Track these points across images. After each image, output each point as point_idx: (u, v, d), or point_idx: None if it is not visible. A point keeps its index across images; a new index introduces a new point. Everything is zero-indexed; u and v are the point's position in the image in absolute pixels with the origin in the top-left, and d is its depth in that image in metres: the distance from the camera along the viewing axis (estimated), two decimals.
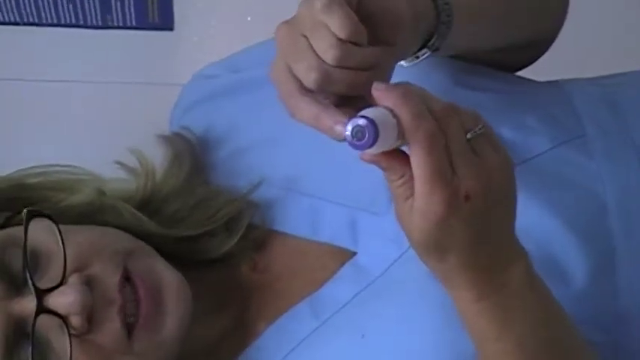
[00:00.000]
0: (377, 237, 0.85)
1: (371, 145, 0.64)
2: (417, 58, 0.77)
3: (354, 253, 0.86)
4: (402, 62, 0.76)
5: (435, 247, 0.69)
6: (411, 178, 0.66)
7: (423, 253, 0.71)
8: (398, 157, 0.66)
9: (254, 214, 0.90)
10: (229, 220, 0.89)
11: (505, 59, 0.95)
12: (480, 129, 0.67)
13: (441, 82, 0.89)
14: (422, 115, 0.65)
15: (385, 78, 0.71)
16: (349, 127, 0.64)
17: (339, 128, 0.66)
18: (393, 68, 0.72)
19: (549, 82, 0.96)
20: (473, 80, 0.91)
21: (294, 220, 0.89)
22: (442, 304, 0.77)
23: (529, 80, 0.97)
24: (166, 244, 0.87)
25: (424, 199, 0.66)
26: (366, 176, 0.83)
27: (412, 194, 0.66)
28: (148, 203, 0.89)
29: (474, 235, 0.68)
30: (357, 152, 0.74)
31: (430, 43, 0.76)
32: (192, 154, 0.93)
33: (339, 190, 0.87)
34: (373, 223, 0.86)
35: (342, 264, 0.86)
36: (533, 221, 0.81)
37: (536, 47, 0.98)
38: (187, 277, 0.84)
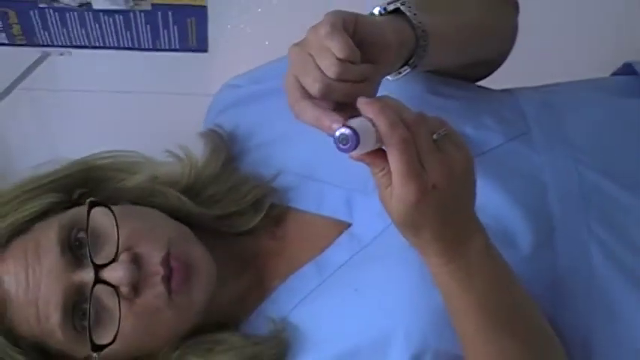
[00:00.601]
0: (367, 212, 0.84)
1: (354, 149, 0.65)
2: (400, 73, 0.78)
3: (350, 225, 0.85)
4: (388, 77, 0.77)
5: (410, 225, 0.70)
6: (389, 171, 0.67)
7: (402, 230, 0.72)
8: (378, 155, 0.68)
9: (274, 196, 0.89)
10: (255, 202, 0.88)
11: (469, 73, 0.94)
12: (443, 131, 0.68)
13: (416, 90, 0.89)
14: (395, 124, 0.66)
15: (374, 89, 0.72)
16: (337, 134, 0.65)
17: (335, 126, 0.66)
18: (379, 82, 0.73)
19: (502, 90, 0.95)
20: (442, 89, 0.90)
21: (305, 199, 0.88)
22: (419, 266, 0.77)
23: (487, 88, 0.96)
24: (204, 220, 0.86)
25: (400, 188, 0.67)
26: (359, 165, 0.85)
27: (391, 184, 0.68)
28: (191, 188, 0.87)
29: (441, 216, 0.69)
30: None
31: (410, 62, 0.77)
32: (226, 146, 0.92)
33: (338, 176, 0.86)
34: (364, 201, 0.85)
35: (340, 233, 0.85)
36: (489, 200, 0.80)
37: (493, 63, 0.97)
38: (217, 247, 0.84)
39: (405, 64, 0.77)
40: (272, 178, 0.89)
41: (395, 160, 0.66)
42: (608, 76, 1.04)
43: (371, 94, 0.71)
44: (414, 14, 0.75)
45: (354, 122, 0.65)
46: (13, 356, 0.78)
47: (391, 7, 0.76)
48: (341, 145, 0.65)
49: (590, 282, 0.82)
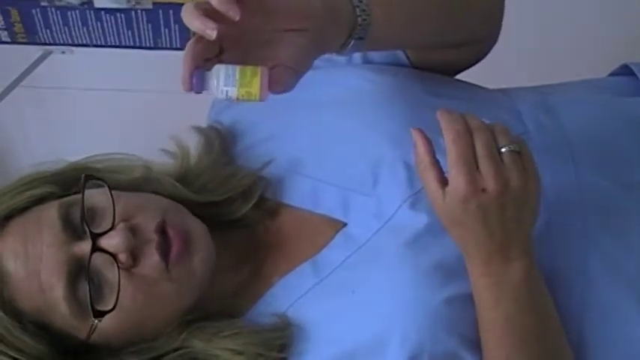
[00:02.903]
0: (363, 212, 0.84)
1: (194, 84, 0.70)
2: (346, 46, 0.78)
3: (345, 224, 0.85)
4: (339, 56, 0.79)
5: (455, 221, 0.74)
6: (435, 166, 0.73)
7: (449, 227, 0.76)
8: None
9: (266, 188, 0.88)
10: (245, 190, 0.88)
11: (452, 57, 0.94)
12: (515, 147, 0.72)
13: (413, 90, 0.89)
14: (455, 120, 0.72)
15: (300, 58, 0.74)
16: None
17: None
18: (312, 50, 0.74)
19: (499, 90, 0.94)
20: (439, 90, 0.90)
21: (299, 196, 0.88)
22: (415, 268, 0.79)
23: (483, 88, 0.96)
24: (197, 207, 0.86)
25: (452, 180, 0.72)
26: (356, 166, 0.85)
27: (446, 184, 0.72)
28: (185, 177, 0.88)
29: (486, 222, 0.72)
30: (349, 146, 0.84)
31: (354, 33, 0.77)
32: (221, 140, 0.92)
33: (334, 174, 0.86)
34: (361, 201, 0.84)
35: (337, 232, 0.85)
36: None
37: (477, 46, 0.95)
38: (215, 237, 0.84)
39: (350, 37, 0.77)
40: (261, 167, 0.89)
41: (448, 149, 0.71)
42: (605, 76, 1.04)
43: (287, 55, 0.72)
44: None
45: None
46: (12, 332, 0.78)
47: None
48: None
49: (585, 282, 0.82)
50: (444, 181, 0.73)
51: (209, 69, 0.71)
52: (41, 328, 0.79)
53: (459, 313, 0.78)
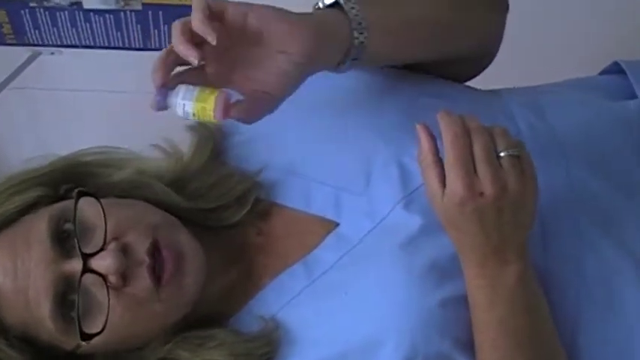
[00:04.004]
0: (355, 212, 0.84)
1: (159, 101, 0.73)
2: (342, 65, 0.79)
3: (337, 224, 0.85)
4: (331, 71, 0.79)
5: (453, 224, 0.75)
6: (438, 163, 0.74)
7: (448, 229, 0.76)
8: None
9: (260, 190, 0.88)
10: (240, 196, 0.88)
11: (452, 71, 0.94)
12: (512, 151, 0.73)
13: (405, 90, 0.89)
14: (453, 123, 0.73)
15: (280, 84, 0.75)
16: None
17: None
18: (296, 76, 0.75)
19: (490, 91, 0.95)
20: (432, 89, 0.90)
21: (291, 196, 0.88)
22: (409, 268, 0.79)
23: (475, 89, 0.96)
24: (189, 213, 0.86)
25: (449, 182, 0.72)
26: (348, 165, 0.86)
27: (440, 179, 0.73)
28: (176, 181, 0.87)
29: (482, 225, 0.73)
30: (340, 146, 0.84)
31: (350, 54, 0.78)
32: (214, 140, 0.92)
33: (326, 173, 0.86)
34: (353, 201, 0.84)
35: (328, 232, 0.85)
36: None
37: (478, 61, 0.96)
38: (204, 239, 0.84)
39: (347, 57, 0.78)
40: (256, 172, 0.89)
41: (447, 154, 0.72)
42: (596, 74, 1.04)
43: (266, 80, 0.74)
44: (352, 7, 0.77)
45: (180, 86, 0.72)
46: None
47: (329, 2, 0.78)
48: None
49: (580, 283, 0.82)
50: (445, 181, 0.73)
51: (172, 88, 0.73)
52: (27, 341, 0.79)
53: (452, 314, 0.79)
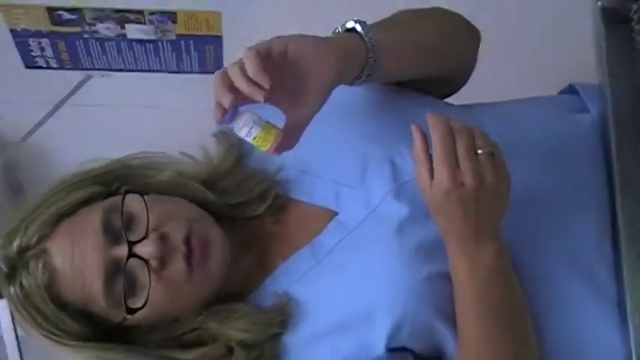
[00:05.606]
0: (352, 202, 0.86)
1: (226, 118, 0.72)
2: (358, 79, 0.80)
3: (337, 213, 0.87)
4: (346, 85, 0.80)
5: (442, 211, 0.75)
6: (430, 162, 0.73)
7: (436, 217, 0.76)
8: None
9: (277, 188, 0.90)
10: (261, 192, 0.89)
11: (433, 89, 0.96)
12: (488, 150, 0.73)
13: (400, 102, 0.91)
14: (440, 123, 0.72)
15: (325, 96, 0.75)
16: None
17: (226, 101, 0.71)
18: (325, 93, 0.76)
19: (463, 105, 0.97)
20: (422, 102, 0.92)
21: (301, 191, 0.89)
22: (400, 248, 0.80)
23: (450, 104, 0.98)
24: (218, 207, 0.88)
25: (436, 174, 0.72)
26: (348, 164, 0.87)
27: (431, 175, 0.73)
28: (208, 181, 0.89)
29: (465, 211, 0.73)
30: (343, 150, 0.85)
31: (364, 71, 0.80)
32: (237, 146, 0.93)
33: (330, 172, 0.88)
34: (350, 193, 0.86)
35: (330, 220, 0.86)
36: None
37: (454, 83, 0.98)
38: (230, 229, 0.86)
39: (362, 73, 0.80)
40: (275, 172, 0.90)
41: (434, 146, 0.72)
42: (555, 94, 1.05)
43: (306, 102, 0.74)
44: (367, 32, 0.79)
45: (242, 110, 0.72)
46: (61, 319, 0.80)
47: (348, 27, 0.80)
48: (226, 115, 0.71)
49: (543, 281, 0.83)
50: (433, 174, 0.73)
51: (239, 106, 0.73)
52: (84, 314, 0.82)
53: (437, 288, 0.80)
